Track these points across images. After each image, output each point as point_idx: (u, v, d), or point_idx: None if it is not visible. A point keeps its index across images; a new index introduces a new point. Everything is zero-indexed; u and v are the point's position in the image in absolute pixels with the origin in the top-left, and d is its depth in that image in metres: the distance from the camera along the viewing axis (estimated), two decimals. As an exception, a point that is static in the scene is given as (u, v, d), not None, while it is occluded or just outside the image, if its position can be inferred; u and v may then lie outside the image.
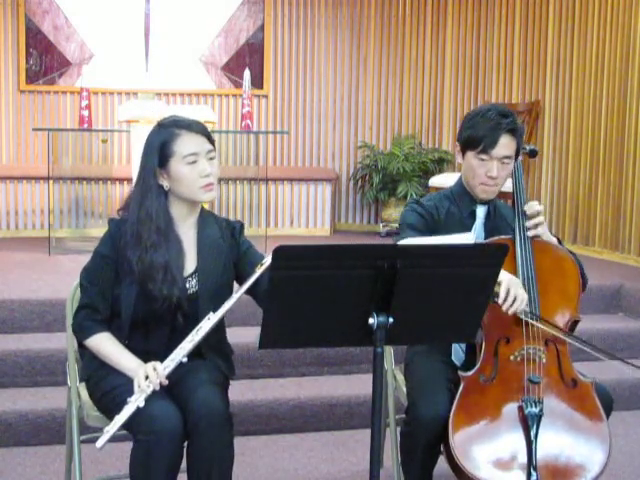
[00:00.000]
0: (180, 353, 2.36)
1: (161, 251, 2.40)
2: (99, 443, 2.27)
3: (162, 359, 2.41)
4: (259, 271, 2.36)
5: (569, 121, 5.93)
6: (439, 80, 6.71)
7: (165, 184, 2.44)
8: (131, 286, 2.42)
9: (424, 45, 6.72)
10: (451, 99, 6.68)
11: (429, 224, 2.70)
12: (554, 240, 2.66)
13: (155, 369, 2.33)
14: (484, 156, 2.61)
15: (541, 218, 2.60)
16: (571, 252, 2.69)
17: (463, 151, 2.68)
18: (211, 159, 2.45)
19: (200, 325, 2.38)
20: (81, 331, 2.49)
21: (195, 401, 2.33)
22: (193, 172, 2.41)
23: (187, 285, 2.48)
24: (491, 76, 6.49)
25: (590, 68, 5.73)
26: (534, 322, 2.46)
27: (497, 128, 2.60)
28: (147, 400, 2.29)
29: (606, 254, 5.46)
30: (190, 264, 2.49)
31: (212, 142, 2.47)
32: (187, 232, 2.50)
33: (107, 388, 2.41)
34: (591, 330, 4.34)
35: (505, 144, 2.61)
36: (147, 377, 2.33)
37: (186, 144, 2.41)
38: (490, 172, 2.62)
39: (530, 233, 2.58)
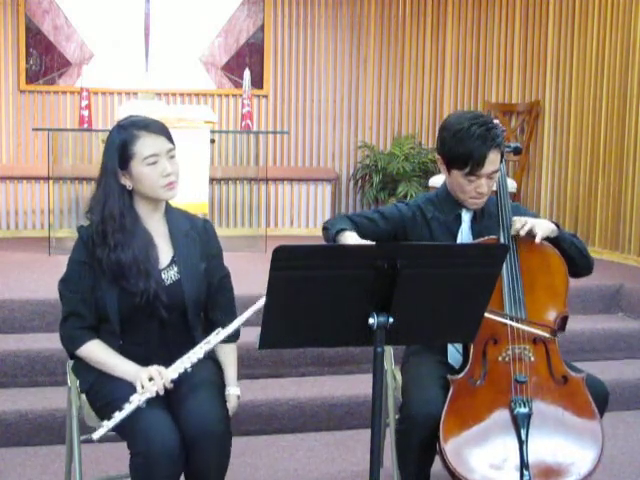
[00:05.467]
0: (185, 362, 2.36)
1: (127, 249, 2.41)
2: (96, 435, 2.30)
3: (157, 358, 2.42)
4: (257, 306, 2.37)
5: (569, 121, 5.93)
6: (439, 80, 6.71)
7: (128, 184, 2.45)
8: (111, 286, 2.43)
9: (424, 45, 6.72)
10: (451, 99, 6.68)
11: (405, 221, 2.71)
12: (551, 228, 2.60)
13: (160, 373, 2.33)
14: (472, 177, 2.58)
15: (526, 225, 2.55)
16: (572, 235, 2.69)
17: (448, 167, 2.64)
18: (171, 157, 2.47)
19: (208, 339, 2.42)
20: (71, 341, 2.49)
21: (192, 413, 2.32)
22: (154, 172, 2.42)
23: (165, 276, 2.48)
24: (491, 76, 6.49)
25: (590, 68, 5.72)
26: (513, 323, 2.46)
27: (483, 146, 2.54)
28: (142, 416, 2.28)
29: (606, 254, 5.46)
30: (166, 255, 2.51)
31: (172, 141, 2.48)
32: (157, 226, 2.52)
33: (108, 399, 2.39)
34: (591, 330, 4.34)
35: (492, 161, 2.57)
36: (150, 379, 2.33)
37: (146, 145, 2.42)
38: (479, 189, 2.60)
39: (525, 229, 2.56)
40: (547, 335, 2.50)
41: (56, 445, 3.39)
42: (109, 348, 2.45)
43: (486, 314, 2.37)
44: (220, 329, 2.43)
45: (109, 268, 2.41)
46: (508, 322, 2.48)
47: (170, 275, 2.49)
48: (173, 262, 2.50)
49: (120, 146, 2.43)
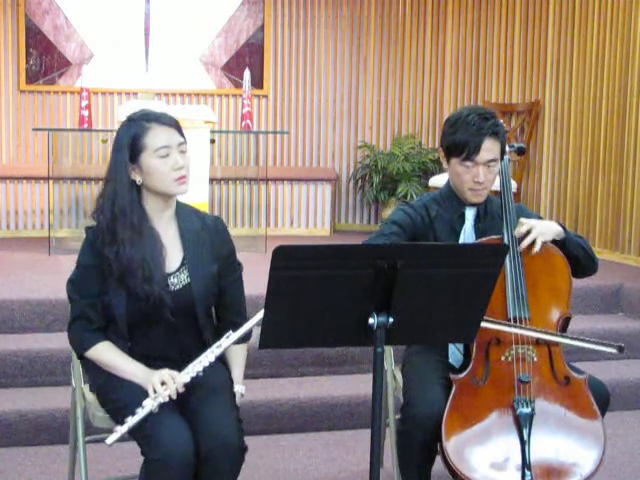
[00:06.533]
0: (197, 367, 2.34)
1: (137, 247, 2.36)
2: (109, 440, 2.26)
3: (167, 360, 2.41)
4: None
5: (569, 121, 5.93)
6: (439, 80, 6.71)
7: (137, 179, 2.39)
8: (119, 289, 2.38)
9: (424, 45, 6.72)
10: (451, 99, 6.68)
11: (416, 224, 2.70)
12: (557, 231, 2.60)
13: (172, 377, 2.30)
14: (468, 163, 2.59)
15: (532, 234, 2.55)
16: (578, 236, 2.68)
17: (447, 157, 2.65)
18: (182, 152, 2.41)
19: (219, 342, 2.39)
20: (80, 343, 2.45)
21: (209, 426, 2.30)
22: (165, 165, 2.36)
23: (176, 280, 2.43)
24: (491, 76, 6.49)
25: (590, 68, 5.72)
26: (517, 330, 2.46)
27: (479, 133, 2.56)
28: (159, 423, 2.25)
29: (606, 254, 5.46)
30: (175, 258, 2.45)
31: (182, 134, 2.43)
32: (166, 226, 2.46)
33: (119, 404, 2.36)
34: (591, 330, 4.33)
35: (489, 148, 2.58)
36: (163, 384, 2.30)
37: (157, 137, 2.37)
38: (476, 177, 2.60)
39: (527, 242, 2.57)
40: (613, 350, 2.49)
41: (56, 445, 3.40)
42: (118, 350, 2.42)
43: (540, 334, 2.45)
44: (231, 332, 2.39)
45: (117, 267, 2.36)
46: (574, 343, 2.50)
47: (181, 279, 2.43)
48: (183, 265, 2.44)
49: (131, 139, 2.37)
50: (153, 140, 2.37)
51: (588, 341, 2.54)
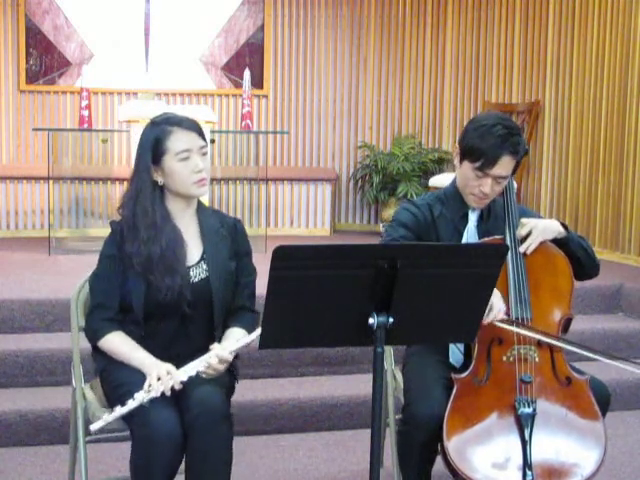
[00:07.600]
0: (198, 366, 2.37)
1: (157, 244, 2.44)
2: (94, 426, 2.31)
3: (178, 353, 2.45)
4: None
5: (569, 121, 5.93)
6: (439, 80, 6.71)
7: (159, 180, 2.49)
8: (138, 280, 2.45)
9: (424, 45, 6.72)
10: (451, 99, 6.68)
11: (421, 224, 2.69)
12: (557, 230, 2.61)
13: (169, 373, 2.34)
14: (480, 173, 2.57)
15: (532, 235, 2.57)
16: (580, 237, 2.68)
17: (461, 158, 2.63)
18: (204, 154, 2.50)
19: (226, 345, 2.45)
20: (94, 332, 2.51)
21: (193, 399, 2.34)
22: (186, 168, 2.46)
23: (193, 272, 2.51)
24: (491, 76, 6.49)
25: (590, 68, 5.72)
26: (519, 330, 2.46)
27: (500, 147, 2.53)
28: (147, 405, 2.29)
29: (606, 254, 5.46)
30: (196, 252, 2.54)
31: (204, 138, 2.52)
32: (188, 224, 2.55)
33: (115, 383, 2.43)
34: (591, 330, 4.34)
35: (504, 165, 2.55)
36: (159, 379, 2.33)
37: (179, 141, 2.46)
38: (483, 188, 2.59)
39: (530, 249, 2.57)
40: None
41: (56, 445, 3.40)
42: (130, 340, 2.47)
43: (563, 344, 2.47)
44: (242, 336, 2.49)
45: (138, 262, 2.44)
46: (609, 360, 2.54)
47: (198, 272, 2.52)
48: (203, 259, 2.54)
49: (153, 142, 2.46)
50: (175, 144, 2.45)
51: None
